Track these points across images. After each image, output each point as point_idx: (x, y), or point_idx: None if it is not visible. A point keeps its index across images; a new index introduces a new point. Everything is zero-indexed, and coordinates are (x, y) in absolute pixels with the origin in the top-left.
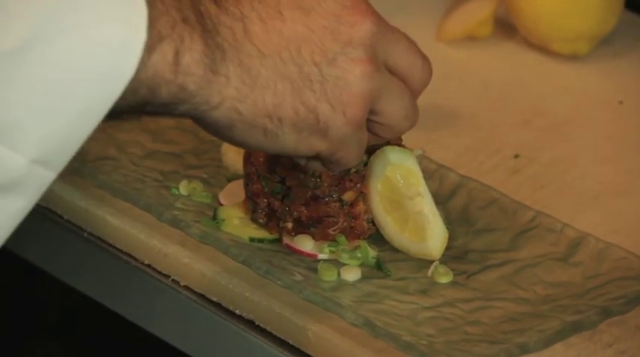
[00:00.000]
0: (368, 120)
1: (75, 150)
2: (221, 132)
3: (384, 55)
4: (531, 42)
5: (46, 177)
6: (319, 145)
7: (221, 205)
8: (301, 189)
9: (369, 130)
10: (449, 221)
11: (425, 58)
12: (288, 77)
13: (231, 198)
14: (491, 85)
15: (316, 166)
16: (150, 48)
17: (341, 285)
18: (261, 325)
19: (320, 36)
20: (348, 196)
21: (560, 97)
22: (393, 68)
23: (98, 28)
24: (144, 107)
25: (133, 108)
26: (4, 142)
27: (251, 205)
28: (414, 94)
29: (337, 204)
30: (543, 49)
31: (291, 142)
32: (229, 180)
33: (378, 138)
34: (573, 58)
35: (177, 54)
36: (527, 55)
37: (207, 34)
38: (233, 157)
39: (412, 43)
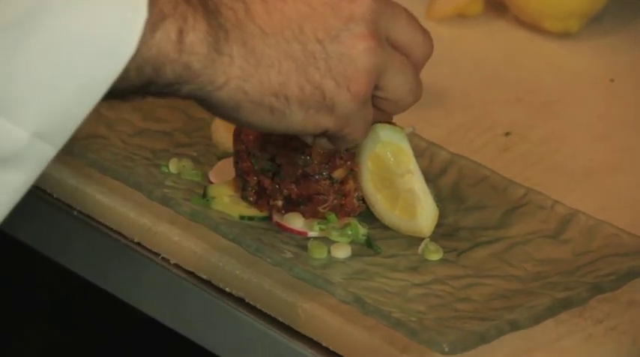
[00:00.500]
0: (373, 96)
1: (76, 125)
2: (228, 113)
3: (385, 30)
4: (522, 20)
5: (46, 152)
6: (326, 122)
7: (211, 183)
8: (291, 167)
9: (374, 105)
10: (439, 199)
11: (425, 32)
12: (292, 55)
13: (221, 176)
14: (481, 63)
15: (323, 143)
16: (153, 26)
17: (331, 262)
18: (251, 302)
19: (321, 13)
20: (338, 173)
21: (552, 75)
22: (394, 43)
23: (98, 4)
24: (148, 87)
25: (138, 88)
26: (6, 115)
27: (241, 183)
28: (417, 68)
29: (327, 182)
30: (534, 27)
31: (298, 120)
32: (219, 158)
33: (383, 114)
34: (564, 35)
35: (180, 33)
36: (517, 33)
37: (210, 14)
38: (223, 135)
39: (412, 18)
